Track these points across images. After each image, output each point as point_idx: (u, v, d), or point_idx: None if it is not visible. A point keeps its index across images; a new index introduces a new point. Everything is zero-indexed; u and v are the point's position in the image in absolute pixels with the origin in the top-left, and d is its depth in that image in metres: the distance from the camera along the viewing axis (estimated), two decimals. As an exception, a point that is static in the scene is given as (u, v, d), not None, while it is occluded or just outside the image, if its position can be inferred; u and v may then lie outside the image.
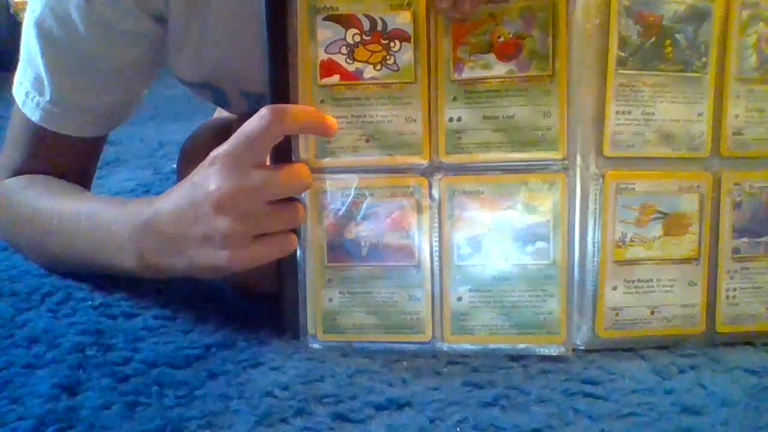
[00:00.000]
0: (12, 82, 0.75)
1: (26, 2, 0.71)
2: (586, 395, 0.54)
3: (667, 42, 0.59)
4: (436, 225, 0.60)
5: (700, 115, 0.60)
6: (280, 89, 0.59)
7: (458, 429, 0.51)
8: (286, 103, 0.59)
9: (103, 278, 0.71)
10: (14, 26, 1.81)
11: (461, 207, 0.59)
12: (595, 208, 0.59)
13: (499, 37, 0.58)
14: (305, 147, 0.60)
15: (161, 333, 0.63)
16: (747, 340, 0.62)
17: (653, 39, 0.58)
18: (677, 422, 0.51)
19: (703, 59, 0.59)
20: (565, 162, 0.58)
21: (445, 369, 0.58)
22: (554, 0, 0.57)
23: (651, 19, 0.58)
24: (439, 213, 0.59)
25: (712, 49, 0.59)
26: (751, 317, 0.62)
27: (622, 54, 0.58)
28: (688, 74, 0.59)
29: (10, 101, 0.75)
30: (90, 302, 0.67)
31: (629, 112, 0.59)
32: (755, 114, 0.61)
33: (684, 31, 0.59)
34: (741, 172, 0.61)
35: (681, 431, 0.51)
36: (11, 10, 1.81)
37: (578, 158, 0.59)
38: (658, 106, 0.59)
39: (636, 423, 0.51)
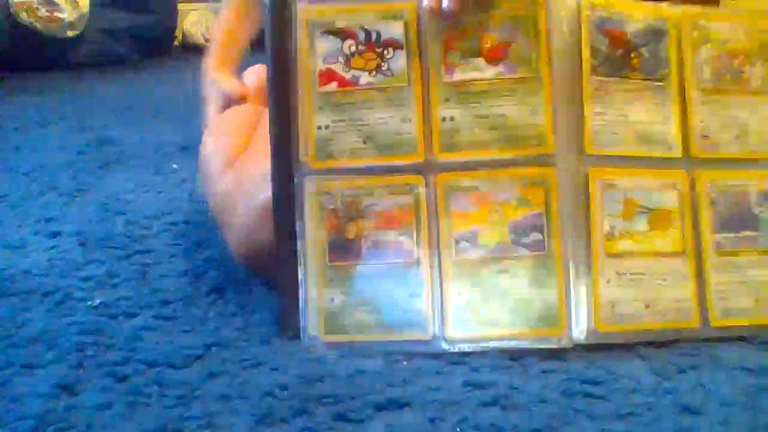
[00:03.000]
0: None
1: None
2: (586, 395, 0.54)
3: (633, 54, 0.63)
4: (434, 221, 0.61)
5: (668, 119, 0.64)
6: (281, 96, 0.62)
7: (458, 429, 0.51)
8: (287, 106, 0.62)
9: (103, 278, 0.71)
10: (14, 26, 1.80)
11: (457, 203, 0.61)
12: (583, 202, 0.61)
13: (487, 42, 0.61)
14: (305, 149, 0.61)
15: (161, 333, 0.63)
16: (742, 334, 0.62)
17: (621, 50, 0.63)
18: (677, 422, 0.52)
19: (665, 70, 0.64)
20: (554, 156, 0.60)
21: (445, 369, 0.58)
22: (536, 11, 0.61)
23: (616, 33, 0.63)
24: (436, 209, 0.61)
25: (671, 62, 0.64)
26: (742, 311, 0.63)
27: (594, 62, 0.62)
28: (654, 82, 0.64)
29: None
30: (90, 302, 0.67)
31: (605, 114, 0.62)
32: (717, 120, 0.65)
33: (646, 45, 0.63)
34: (713, 171, 0.64)
35: (681, 431, 0.51)
36: (11, 10, 1.81)
37: (564, 154, 0.61)
38: (630, 109, 0.63)
39: (636, 423, 0.51)
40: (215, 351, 0.60)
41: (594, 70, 0.62)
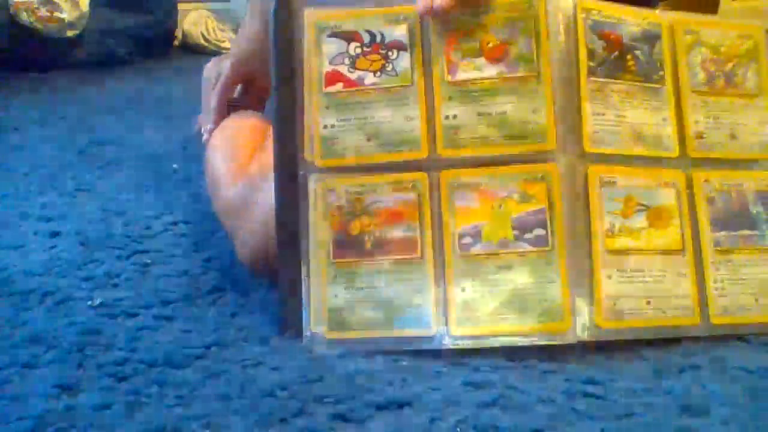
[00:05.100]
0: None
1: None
2: (586, 395, 0.55)
3: (629, 56, 0.65)
4: (438, 217, 0.62)
5: (664, 119, 0.66)
6: (287, 96, 0.64)
7: (458, 429, 0.51)
8: (292, 109, 0.64)
9: (103, 278, 0.71)
10: (14, 26, 1.80)
11: (461, 199, 0.62)
12: (584, 199, 0.62)
13: (488, 42, 0.63)
14: (310, 147, 0.63)
15: (161, 333, 0.63)
16: (742, 333, 0.63)
17: (617, 53, 0.65)
18: (677, 422, 0.52)
19: (660, 73, 0.66)
20: (555, 153, 0.61)
21: (445, 369, 0.58)
22: (534, 13, 0.62)
23: (612, 36, 0.64)
24: (440, 205, 0.62)
25: (665, 65, 0.66)
26: (742, 309, 0.64)
27: (592, 64, 0.63)
28: (649, 85, 0.65)
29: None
30: (90, 302, 0.67)
31: (603, 114, 0.63)
32: (712, 121, 0.67)
33: (641, 48, 0.65)
34: (709, 171, 0.66)
35: (681, 431, 0.51)
36: (11, 10, 1.80)
37: (564, 153, 0.62)
38: (628, 110, 0.65)
39: (636, 423, 0.52)
40: (215, 351, 0.60)
41: (591, 72, 0.63)
